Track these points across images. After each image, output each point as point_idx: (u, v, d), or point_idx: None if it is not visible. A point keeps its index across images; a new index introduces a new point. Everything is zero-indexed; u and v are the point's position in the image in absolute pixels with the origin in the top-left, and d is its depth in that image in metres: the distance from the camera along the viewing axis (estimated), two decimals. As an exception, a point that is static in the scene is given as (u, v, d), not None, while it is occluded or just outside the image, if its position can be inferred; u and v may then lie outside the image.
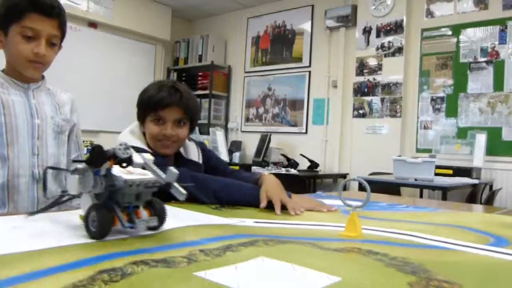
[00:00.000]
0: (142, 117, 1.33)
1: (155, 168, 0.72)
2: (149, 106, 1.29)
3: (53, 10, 1.20)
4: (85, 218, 0.71)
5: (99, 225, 0.69)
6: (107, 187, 0.71)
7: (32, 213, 0.88)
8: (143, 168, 0.73)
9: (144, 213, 0.74)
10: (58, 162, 1.32)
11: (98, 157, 0.70)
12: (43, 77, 1.34)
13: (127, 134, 1.32)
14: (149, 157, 0.74)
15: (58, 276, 0.49)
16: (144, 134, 1.34)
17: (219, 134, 4.54)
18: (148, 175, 0.73)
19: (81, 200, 0.76)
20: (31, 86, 1.29)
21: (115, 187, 0.71)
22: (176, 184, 0.71)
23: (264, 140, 4.33)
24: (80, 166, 0.73)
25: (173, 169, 0.71)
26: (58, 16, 1.22)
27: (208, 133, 4.60)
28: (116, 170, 0.72)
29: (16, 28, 1.18)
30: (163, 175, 0.71)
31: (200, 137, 4.25)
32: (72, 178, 0.74)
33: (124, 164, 0.73)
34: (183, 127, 1.32)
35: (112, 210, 0.72)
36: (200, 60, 5.37)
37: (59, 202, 0.85)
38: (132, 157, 0.72)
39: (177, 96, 1.28)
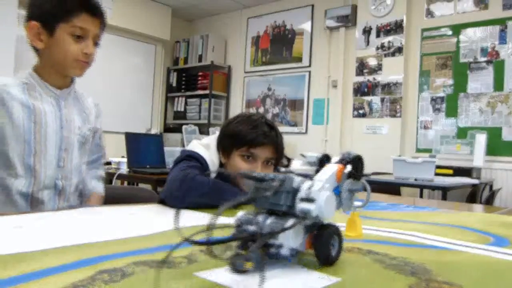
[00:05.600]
0: (227, 149, 1.26)
1: None
2: (243, 141, 1.22)
3: (99, 9, 1.20)
4: (324, 243, 0.57)
5: (339, 248, 0.59)
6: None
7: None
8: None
9: None
10: (80, 171, 1.30)
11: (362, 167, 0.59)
12: (72, 80, 1.30)
13: (201, 148, 1.26)
14: None
15: (58, 276, 0.49)
16: (220, 160, 1.28)
17: (219, 134, 4.53)
18: None
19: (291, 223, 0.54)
20: (63, 93, 1.25)
21: None
22: None
23: (264, 140, 4.33)
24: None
25: None
26: (102, 15, 1.22)
27: (208, 133, 4.60)
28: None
29: (66, 28, 1.15)
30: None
31: (200, 137, 4.25)
32: (328, 197, 0.53)
33: None
34: (270, 167, 1.27)
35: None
36: (200, 60, 5.37)
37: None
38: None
39: (273, 134, 1.24)
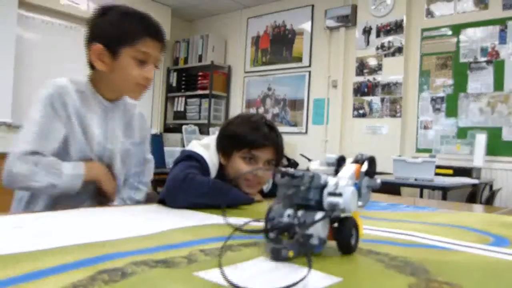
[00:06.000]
0: (228, 150, 1.25)
1: None
2: (243, 143, 1.23)
3: (162, 34, 1.21)
4: (346, 233, 0.64)
5: (357, 238, 0.66)
6: None
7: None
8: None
9: None
10: (120, 182, 1.30)
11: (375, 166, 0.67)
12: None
13: (201, 148, 1.26)
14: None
15: (58, 276, 0.49)
16: (219, 161, 1.28)
17: (219, 134, 4.53)
18: None
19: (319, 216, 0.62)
20: (113, 105, 1.25)
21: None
22: None
23: (264, 140, 4.33)
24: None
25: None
26: (164, 39, 1.22)
27: (208, 133, 4.61)
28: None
29: (130, 52, 1.14)
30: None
31: (200, 137, 4.25)
32: (353, 191, 0.61)
33: None
34: (271, 168, 1.27)
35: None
36: (200, 60, 5.37)
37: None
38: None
39: (273, 136, 1.25)
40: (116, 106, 1.26)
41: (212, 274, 0.52)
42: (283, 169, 0.64)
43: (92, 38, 1.16)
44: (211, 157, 1.25)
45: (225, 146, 1.26)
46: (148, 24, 1.17)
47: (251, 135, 1.22)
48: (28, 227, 0.78)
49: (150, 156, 1.45)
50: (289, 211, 0.62)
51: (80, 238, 0.68)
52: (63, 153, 1.14)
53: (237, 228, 0.62)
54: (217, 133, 1.33)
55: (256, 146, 1.22)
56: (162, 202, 1.14)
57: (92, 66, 1.19)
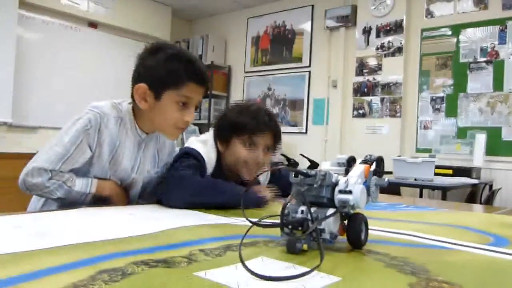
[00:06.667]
0: (227, 137, 1.29)
1: None
2: (244, 130, 1.26)
3: (206, 79, 1.20)
4: (356, 229, 0.68)
5: (366, 233, 0.70)
6: None
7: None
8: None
9: None
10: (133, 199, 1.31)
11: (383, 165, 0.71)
12: None
13: (199, 144, 1.29)
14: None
15: (58, 276, 0.49)
16: (217, 150, 1.31)
17: (219, 134, 4.53)
18: None
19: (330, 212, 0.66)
20: (148, 137, 1.26)
21: None
22: None
23: (264, 140, 4.33)
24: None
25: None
26: (207, 84, 1.22)
27: (208, 133, 4.60)
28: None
29: (173, 95, 1.14)
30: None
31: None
32: (362, 189, 0.65)
33: None
34: (269, 154, 1.32)
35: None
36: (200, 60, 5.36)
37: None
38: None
39: (273, 123, 1.30)
40: (150, 138, 1.27)
41: (212, 274, 0.52)
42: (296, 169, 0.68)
43: (138, 76, 1.16)
44: (209, 153, 1.28)
45: (225, 133, 1.30)
46: (194, 69, 1.16)
47: (252, 123, 1.26)
48: (28, 227, 0.78)
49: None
50: (303, 208, 0.66)
51: (80, 238, 0.68)
52: (83, 169, 1.16)
53: (255, 223, 0.66)
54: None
55: (257, 133, 1.26)
56: (160, 202, 1.14)
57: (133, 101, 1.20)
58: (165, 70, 1.13)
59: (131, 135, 1.21)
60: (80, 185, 1.13)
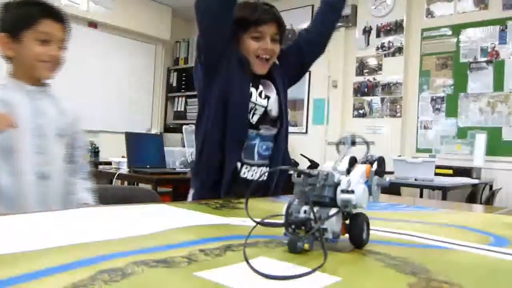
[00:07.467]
0: (236, 35, 1.38)
1: None
2: (248, 23, 1.36)
3: (62, 15, 1.30)
4: (358, 228, 0.69)
5: (368, 233, 0.71)
6: None
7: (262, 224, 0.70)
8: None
9: None
10: (63, 164, 1.33)
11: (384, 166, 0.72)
12: (47, 84, 1.37)
13: None
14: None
15: (58, 276, 0.49)
16: None
17: (219, 134, 4.53)
18: None
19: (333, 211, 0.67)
20: (35, 88, 1.31)
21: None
22: None
23: (264, 140, 4.33)
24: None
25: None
26: (65, 20, 1.31)
27: (208, 133, 4.59)
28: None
29: (31, 34, 1.24)
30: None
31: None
32: (364, 189, 0.66)
33: None
34: (277, 44, 1.41)
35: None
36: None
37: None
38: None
39: (273, 11, 1.40)
40: (39, 90, 1.32)
41: (212, 274, 0.52)
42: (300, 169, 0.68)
43: None
44: None
45: (233, 31, 1.37)
46: (46, 6, 1.26)
47: (254, 14, 1.36)
48: (27, 227, 0.78)
49: (86, 161, 1.50)
50: (305, 207, 0.66)
51: (80, 238, 0.68)
52: None
53: (259, 223, 0.67)
54: None
55: (261, 22, 1.35)
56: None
57: (7, 58, 1.28)
58: (17, 14, 1.25)
59: (18, 92, 1.27)
60: None
